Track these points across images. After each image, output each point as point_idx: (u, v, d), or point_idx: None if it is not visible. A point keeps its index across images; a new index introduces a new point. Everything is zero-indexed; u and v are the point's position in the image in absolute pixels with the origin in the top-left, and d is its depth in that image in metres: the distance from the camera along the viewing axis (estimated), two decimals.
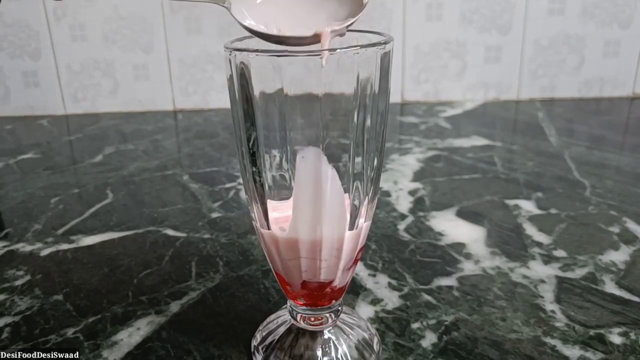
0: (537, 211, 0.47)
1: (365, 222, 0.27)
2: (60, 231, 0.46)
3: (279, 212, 0.26)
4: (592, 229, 0.44)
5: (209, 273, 0.39)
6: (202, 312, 0.35)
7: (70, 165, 0.63)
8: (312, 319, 0.30)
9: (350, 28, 0.26)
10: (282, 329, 0.31)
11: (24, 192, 0.55)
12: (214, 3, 0.25)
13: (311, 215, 0.25)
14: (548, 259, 0.39)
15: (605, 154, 0.60)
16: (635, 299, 0.35)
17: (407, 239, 0.43)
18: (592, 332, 0.32)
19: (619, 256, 0.40)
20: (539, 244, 0.42)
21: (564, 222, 0.45)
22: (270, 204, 0.26)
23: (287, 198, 0.25)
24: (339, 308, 0.30)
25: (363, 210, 0.26)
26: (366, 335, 0.31)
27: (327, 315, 0.30)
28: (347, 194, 0.25)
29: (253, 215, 0.27)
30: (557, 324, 0.32)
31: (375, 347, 0.30)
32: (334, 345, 0.30)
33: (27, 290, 0.38)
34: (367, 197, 0.26)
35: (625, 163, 0.58)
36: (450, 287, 0.36)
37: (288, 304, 0.30)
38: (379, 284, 0.37)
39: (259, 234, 0.28)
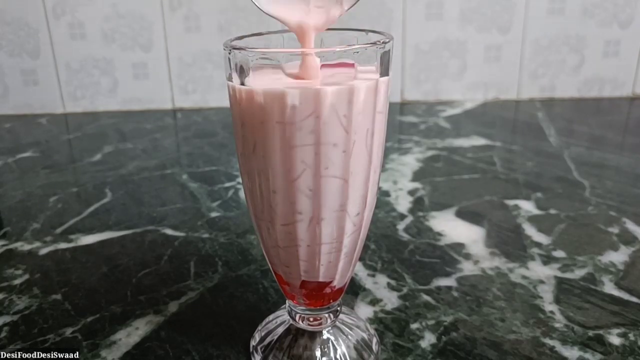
0: (536, 211, 0.47)
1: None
2: (58, 230, 0.46)
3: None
4: (591, 229, 0.44)
5: (208, 273, 0.39)
6: (201, 312, 0.35)
7: (69, 164, 0.63)
8: (311, 319, 0.30)
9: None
10: (280, 329, 0.31)
11: (23, 190, 0.55)
12: None
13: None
14: (547, 260, 0.39)
15: (605, 154, 0.60)
16: (634, 299, 0.35)
17: (406, 239, 0.43)
18: (591, 333, 0.32)
19: (618, 257, 0.40)
20: (539, 245, 0.41)
21: (563, 222, 0.45)
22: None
23: None
24: (338, 308, 0.30)
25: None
26: (365, 336, 0.31)
27: (326, 315, 0.30)
28: None
29: (250, 210, 0.27)
30: (556, 325, 0.32)
31: (374, 347, 0.30)
32: (333, 345, 0.30)
33: (25, 290, 0.38)
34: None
35: (625, 163, 0.58)
36: (449, 288, 0.36)
37: (287, 304, 0.30)
38: (378, 284, 0.37)
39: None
